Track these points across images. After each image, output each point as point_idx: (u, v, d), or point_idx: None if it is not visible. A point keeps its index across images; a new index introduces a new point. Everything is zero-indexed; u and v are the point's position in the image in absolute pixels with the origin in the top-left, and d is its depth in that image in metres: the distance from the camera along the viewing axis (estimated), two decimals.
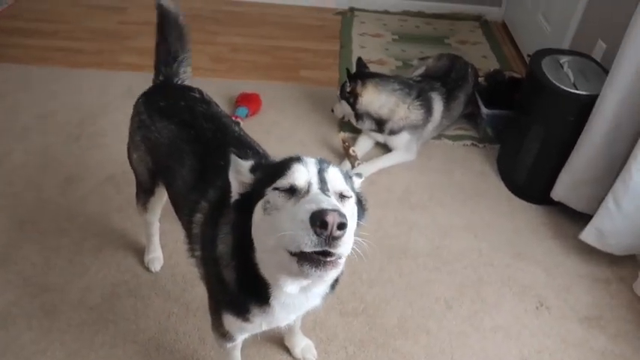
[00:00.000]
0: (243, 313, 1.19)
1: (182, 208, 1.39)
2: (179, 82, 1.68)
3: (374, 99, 2.57)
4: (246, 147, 1.38)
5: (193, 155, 1.38)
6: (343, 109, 2.68)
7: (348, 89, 2.58)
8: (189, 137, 1.42)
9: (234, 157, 1.07)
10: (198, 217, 1.27)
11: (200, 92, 1.60)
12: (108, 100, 2.82)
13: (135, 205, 1.80)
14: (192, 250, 1.32)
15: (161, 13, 1.61)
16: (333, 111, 2.80)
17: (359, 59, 2.78)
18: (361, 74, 2.66)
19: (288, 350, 1.74)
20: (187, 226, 1.33)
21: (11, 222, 2.12)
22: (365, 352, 1.77)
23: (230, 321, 1.26)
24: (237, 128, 1.49)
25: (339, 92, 2.68)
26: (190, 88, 1.61)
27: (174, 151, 1.43)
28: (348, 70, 2.66)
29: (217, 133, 1.41)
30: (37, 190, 2.27)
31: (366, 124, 2.63)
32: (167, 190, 1.54)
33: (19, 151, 2.48)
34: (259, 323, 1.23)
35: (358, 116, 2.61)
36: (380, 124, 2.60)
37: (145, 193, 1.69)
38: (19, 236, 2.06)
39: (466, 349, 1.80)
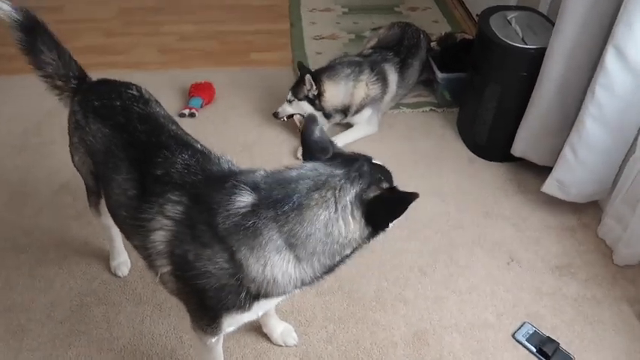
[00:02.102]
0: (248, 304, 1.17)
1: (129, 225, 1.32)
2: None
3: (335, 92, 2.50)
4: (184, 147, 1.31)
5: (129, 163, 1.31)
6: (300, 109, 2.51)
7: (314, 91, 2.47)
8: (123, 142, 1.34)
9: None
10: (160, 234, 1.20)
11: (139, 89, 1.52)
12: (51, 105, 2.62)
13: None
14: (155, 267, 1.25)
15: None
16: (276, 115, 2.56)
17: (299, 63, 2.60)
18: (311, 73, 2.50)
19: (267, 337, 1.72)
20: (142, 244, 1.26)
21: None
22: (345, 329, 1.77)
23: (232, 317, 1.23)
24: (174, 127, 1.41)
25: (290, 94, 2.53)
26: (128, 86, 1.52)
27: (109, 159, 1.36)
28: (300, 65, 2.57)
29: (152, 136, 1.34)
30: None
31: (336, 118, 2.57)
32: (105, 200, 1.46)
33: None
34: (256, 310, 1.22)
35: (327, 114, 2.53)
36: (344, 112, 2.56)
37: (95, 196, 1.62)
38: None
39: (444, 312, 1.82)
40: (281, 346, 1.71)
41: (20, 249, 2.00)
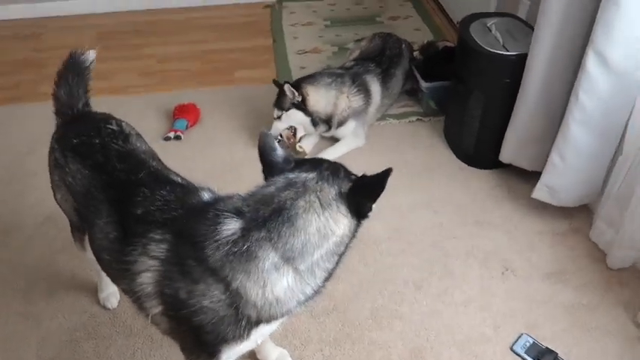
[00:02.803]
0: (246, 333, 1.15)
1: (115, 270, 1.29)
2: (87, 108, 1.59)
3: (318, 97, 2.49)
4: (163, 183, 1.28)
5: (109, 204, 1.28)
6: (290, 120, 2.49)
7: (298, 97, 2.45)
8: (102, 184, 1.32)
9: None
10: (146, 276, 1.17)
11: (119, 124, 1.48)
12: (33, 136, 2.63)
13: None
14: (144, 309, 1.22)
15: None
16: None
17: (274, 81, 2.59)
18: (289, 83, 2.50)
19: None
20: (129, 287, 1.22)
21: None
22: (341, 351, 1.74)
23: (231, 349, 1.20)
24: (154, 163, 1.39)
25: (276, 110, 2.50)
26: (107, 120, 1.49)
27: (89, 201, 1.33)
28: (275, 81, 2.56)
29: (131, 175, 1.31)
30: None
31: (321, 127, 2.55)
32: (89, 244, 1.42)
33: None
34: (255, 338, 1.21)
35: (314, 121, 2.51)
36: (328, 122, 2.54)
37: (79, 232, 1.59)
38: None
39: (441, 327, 1.80)
40: None
41: (7, 284, 1.96)
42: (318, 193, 1.11)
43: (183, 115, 2.70)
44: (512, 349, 1.73)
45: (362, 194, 1.14)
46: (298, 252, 1.09)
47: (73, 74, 1.57)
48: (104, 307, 1.86)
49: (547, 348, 1.71)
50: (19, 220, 2.22)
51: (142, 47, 3.46)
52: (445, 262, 2.01)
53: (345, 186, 1.14)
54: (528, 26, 2.26)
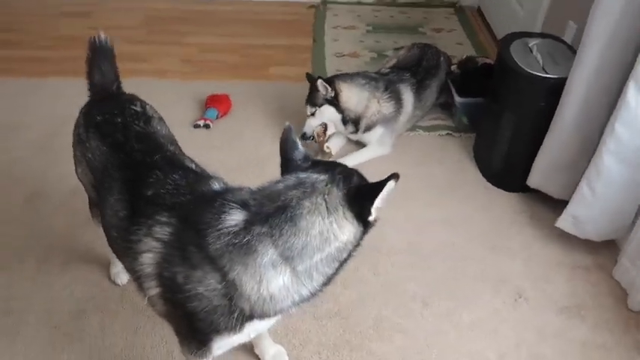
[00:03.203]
0: (240, 326, 1.15)
1: (120, 247, 1.31)
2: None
3: (351, 94, 2.48)
4: (177, 168, 1.30)
5: (122, 183, 1.30)
6: (323, 116, 2.48)
7: (331, 93, 2.44)
8: (119, 162, 1.34)
9: None
10: (148, 257, 1.19)
11: (143, 106, 1.52)
12: (72, 109, 2.72)
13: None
14: (143, 289, 1.24)
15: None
16: (304, 136, 2.48)
17: (307, 75, 2.59)
18: (325, 79, 2.49)
19: (258, 358, 1.69)
20: (131, 266, 1.25)
21: None
22: (339, 356, 1.72)
23: (222, 339, 1.21)
24: (172, 147, 1.41)
25: (309, 107, 2.49)
26: (132, 101, 1.52)
27: (105, 178, 1.36)
28: (308, 75, 2.56)
29: (146, 156, 1.33)
30: (2, 209, 2.20)
31: (349, 127, 2.54)
32: (101, 219, 1.45)
33: None
34: (248, 332, 1.21)
35: (345, 119, 2.50)
36: (356, 123, 2.53)
37: (96, 207, 1.62)
38: None
39: (443, 347, 1.76)
40: None
41: (28, 250, 2.03)
42: (326, 196, 1.10)
43: (215, 104, 2.74)
44: None
45: (363, 197, 1.11)
46: (297, 252, 1.08)
47: (102, 59, 1.61)
48: (114, 283, 1.90)
49: None
50: (48, 188, 2.30)
51: (186, 35, 3.53)
52: (456, 281, 1.97)
53: (354, 188, 1.13)
54: (572, 50, 2.20)
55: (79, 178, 1.60)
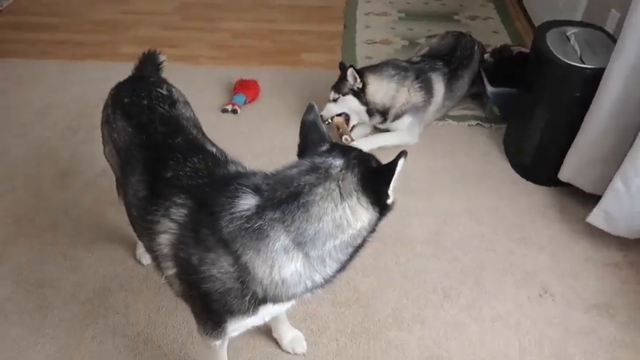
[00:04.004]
0: (253, 308, 1.16)
1: (139, 226, 1.34)
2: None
3: (378, 88, 2.44)
4: (197, 151, 1.30)
5: (143, 164, 1.32)
6: (346, 105, 2.47)
7: (359, 84, 2.42)
8: (141, 143, 1.36)
9: None
10: (165, 237, 1.20)
11: (169, 89, 1.54)
12: (103, 92, 2.79)
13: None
14: (161, 269, 1.26)
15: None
16: (321, 118, 2.50)
17: (341, 64, 2.56)
18: (348, 66, 2.46)
19: (276, 342, 1.70)
20: (149, 245, 1.27)
21: (8, 218, 2.13)
22: (356, 344, 1.72)
23: (236, 321, 1.22)
24: (194, 130, 1.42)
25: (333, 92, 2.48)
26: (159, 84, 1.54)
27: (129, 159, 1.38)
28: (341, 64, 2.53)
29: (168, 138, 1.35)
30: (34, 186, 2.28)
31: (376, 118, 2.51)
32: (123, 197, 1.48)
33: (18, 146, 2.50)
34: (262, 315, 1.21)
35: (369, 111, 2.48)
36: (384, 114, 2.50)
37: (122, 187, 1.66)
38: (15, 232, 2.07)
39: (462, 340, 1.73)
40: (289, 353, 1.68)
41: (57, 227, 2.10)
42: (340, 182, 1.08)
43: (243, 90, 2.75)
44: None
45: (378, 181, 1.09)
46: (310, 238, 1.08)
47: (149, 66, 1.70)
48: (139, 262, 1.95)
49: None
50: (78, 168, 2.37)
51: (218, 21, 3.55)
52: (479, 274, 1.93)
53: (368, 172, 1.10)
54: (612, 40, 2.10)
55: (106, 157, 1.64)
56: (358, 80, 2.41)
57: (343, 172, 1.09)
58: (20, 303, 1.82)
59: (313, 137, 1.17)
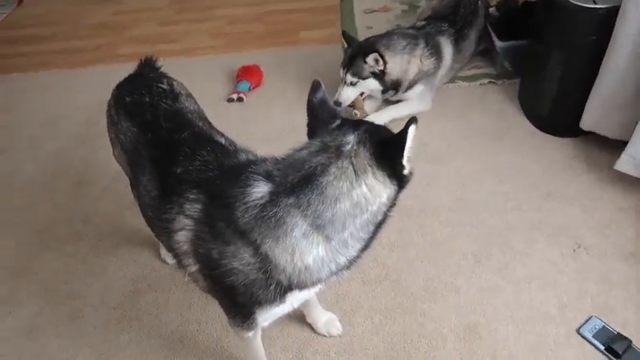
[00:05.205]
0: (280, 297, 1.14)
1: (156, 226, 1.32)
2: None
3: (394, 65, 2.34)
4: (205, 144, 1.27)
5: (152, 163, 1.30)
6: (366, 88, 2.36)
7: (381, 66, 2.29)
8: (147, 141, 1.34)
9: None
10: (182, 235, 1.18)
11: (170, 83, 1.50)
12: (106, 96, 2.78)
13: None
14: (183, 266, 1.24)
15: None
16: (337, 103, 2.32)
17: (344, 33, 2.47)
18: (366, 46, 2.34)
19: (311, 327, 1.68)
20: (168, 244, 1.25)
21: (29, 233, 2.14)
22: (392, 320, 1.69)
23: (265, 311, 1.20)
24: (200, 123, 1.38)
25: (350, 76, 2.32)
26: (159, 79, 1.51)
27: (137, 159, 1.36)
28: (348, 37, 2.42)
29: (174, 134, 1.31)
30: (50, 198, 2.29)
31: (389, 93, 2.43)
32: (137, 199, 1.46)
33: (30, 161, 2.50)
34: (290, 302, 1.19)
35: (384, 90, 2.38)
36: (396, 87, 2.41)
37: (135, 187, 1.64)
38: (37, 246, 2.08)
39: (499, 304, 1.70)
40: (325, 336, 1.67)
41: (79, 236, 2.10)
42: (353, 158, 1.05)
43: (247, 77, 2.71)
44: (578, 332, 1.59)
45: (391, 153, 1.05)
46: (329, 221, 1.04)
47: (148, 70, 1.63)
48: (164, 262, 1.94)
49: (619, 334, 1.56)
50: (92, 175, 2.36)
51: (213, 9, 3.50)
52: (508, 235, 1.88)
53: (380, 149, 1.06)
54: None
55: (116, 160, 1.62)
56: (381, 62, 2.29)
57: (355, 148, 1.06)
58: (52, 316, 1.83)
59: (322, 115, 1.13)
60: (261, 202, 1.06)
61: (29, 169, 2.46)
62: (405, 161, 1.05)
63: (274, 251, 1.07)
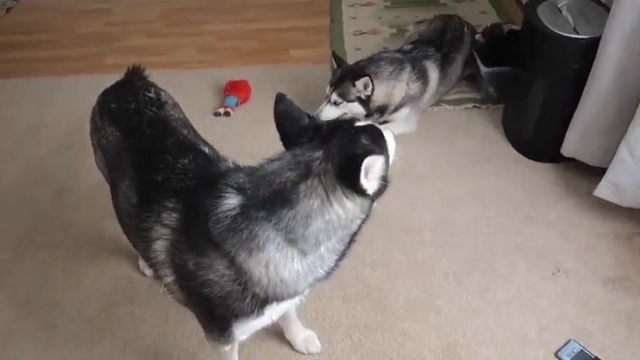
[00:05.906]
0: (258, 309, 1.12)
1: (133, 235, 1.30)
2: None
3: (380, 91, 2.35)
4: (187, 152, 1.26)
5: (133, 169, 1.29)
6: (348, 111, 2.34)
7: (369, 92, 2.30)
8: (129, 147, 1.33)
9: None
10: (160, 244, 1.17)
11: (157, 92, 1.49)
12: (90, 105, 2.76)
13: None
14: (160, 277, 1.22)
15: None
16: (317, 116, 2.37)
17: (334, 53, 2.49)
18: (356, 70, 2.35)
19: (289, 343, 1.66)
20: (145, 254, 1.24)
21: (8, 241, 2.09)
22: (371, 338, 1.68)
23: (242, 324, 1.18)
24: (184, 131, 1.38)
25: (336, 95, 2.31)
26: (147, 88, 1.50)
27: (118, 164, 1.34)
28: (338, 59, 2.44)
29: (157, 141, 1.30)
30: (30, 206, 2.24)
31: (374, 117, 2.43)
32: (114, 205, 1.44)
33: (11, 168, 2.45)
34: (269, 315, 1.18)
35: (369, 114, 2.37)
36: (382, 111, 2.43)
37: (113, 194, 1.62)
38: (16, 255, 2.03)
39: (479, 325, 1.70)
40: (303, 353, 1.65)
41: (57, 245, 2.05)
42: (322, 177, 1.03)
43: (234, 92, 2.71)
44: (556, 355, 1.60)
45: (349, 172, 1.02)
46: (302, 236, 1.04)
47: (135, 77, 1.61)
48: (143, 274, 1.91)
49: (597, 358, 1.57)
50: (74, 184, 2.33)
51: (203, 24, 3.50)
52: (490, 258, 1.89)
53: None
54: (605, 8, 2.06)
55: (97, 166, 1.61)
56: (369, 88, 2.30)
57: (323, 164, 1.04)
58: (26, 325, 1.78)
59: (290, 129, 1.11)
60: (232, 213, 1.05)
61: (10, 175, 2.41)
62: (363, 183, 1.02)
63: (248, 263, 1.06)
